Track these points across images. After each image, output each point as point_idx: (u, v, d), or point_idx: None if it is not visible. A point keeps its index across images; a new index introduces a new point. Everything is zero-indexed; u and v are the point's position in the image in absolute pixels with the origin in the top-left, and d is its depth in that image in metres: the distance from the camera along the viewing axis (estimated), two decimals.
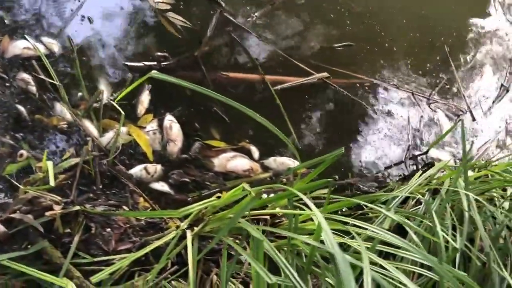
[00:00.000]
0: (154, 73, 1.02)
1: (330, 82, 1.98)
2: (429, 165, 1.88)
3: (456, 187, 1.55)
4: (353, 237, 1.27)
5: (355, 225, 1.26)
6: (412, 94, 2.11)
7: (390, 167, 1.89)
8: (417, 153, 1.96)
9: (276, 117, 1.81)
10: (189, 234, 1.29)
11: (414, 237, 1.30)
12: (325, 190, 1.66)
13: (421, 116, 2.08)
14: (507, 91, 2.27)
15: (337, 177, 1.77)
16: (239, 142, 1.72)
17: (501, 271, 1.35)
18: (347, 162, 1.85)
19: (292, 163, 1.69)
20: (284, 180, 1.61)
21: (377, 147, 1.93)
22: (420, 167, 1.91)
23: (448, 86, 2.21)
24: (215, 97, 1.06)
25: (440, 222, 1.46)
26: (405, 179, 1.84)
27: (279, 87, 1.88)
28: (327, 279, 1.18)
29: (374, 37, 2.15)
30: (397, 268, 1.13)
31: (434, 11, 2.31)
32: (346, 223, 1.27)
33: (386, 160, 1.90)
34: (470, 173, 1.84)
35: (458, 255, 1.37)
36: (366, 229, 1.24)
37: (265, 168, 1.71)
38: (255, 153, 1.73)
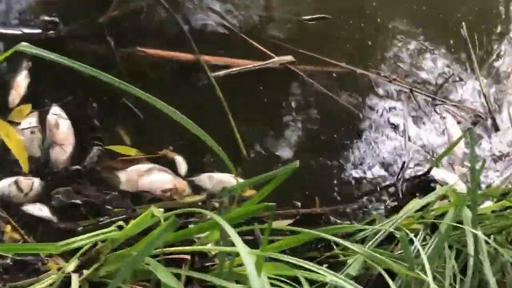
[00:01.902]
0: (24, 45, 1.05)
1: (295, 69, 2.05)
2: (431, 190, 1.96)
3: (460, 221, 1.67)
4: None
5: (310, 270, 1.34)
6: (411, 91, 2.19)
7: (374, 191, 1.98)
8: (415, 173, 2.06)
9: (219, 114, 1.89)
10: (75, 279, 1.31)
11: None
12: (288, 222, 1.79)
13: (423, 123, 2.17)
14: None
15: (299, 204, 1.86)
16: (159, 150, 1.76)
17: None
18: (315, 183, 1.92)
19: (235, 182, 1.74)
20: (216, 204, 1.68)
21: (360, 163, 2.00)
22: (417, 192, 2.02)
23: (463, 82, 2.31)
24: (112, 83, 1.10)
25: (436, 269, 1.58)
26: (396, 208, 1.95)
27: (222, 72, 1.96)
28: None
29: (359, 7, 2.24)
30: None
31: None
32: (297, 266, 1.34)
33: (371, 181, 1.99)
34: (487, 203, 1.98)
35: None
36: (325, 275, 1.32)
37: (197, 188, 1.77)
38: (182, 166, 1.78)
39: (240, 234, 1.19)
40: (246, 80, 1.99)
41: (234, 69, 1.98)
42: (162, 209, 1.29)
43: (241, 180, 1.72)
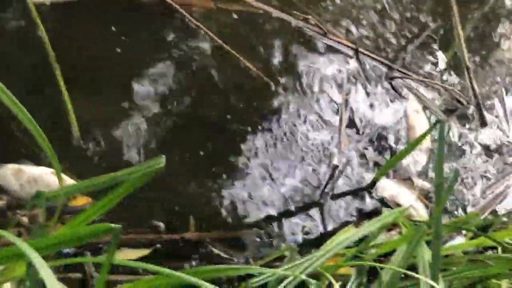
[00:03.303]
0: None
1: (175, 5, 2.04)
2: (375, 214, 1.93)
3: (415, 266, 1.58)
4: None
5: None
6: (357, 51, 2.17)
7: (286, 213, 1.92)
8: (352, 185, 2.02)
9: (42, 72, 1.88)
10: None
11: None
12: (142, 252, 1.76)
13: (370, 105, 2.12)
14: None
15: (161, 224, 1.82)
16: None
17: None
18: (192, 195, 1.90)
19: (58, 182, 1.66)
20: (25, 219, 1.65)
21: (267, 167, 1.98)
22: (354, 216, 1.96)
23: (436, 46, 2.29)
24: None
25: None
26: (318, 240, 1.88)
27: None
28: None
29: None
30: None
31: None
32: None
33: (282, 196, 1.94)
34: (458, 239, 1.91)
35: None
36: None
37: None
38: None
39: (64, 270, 1.30)
40: (91, 19, 2.03)
41: None
42: None
43: (69, 181, 1.71)
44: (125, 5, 2.07)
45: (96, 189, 1.46)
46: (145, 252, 1.76)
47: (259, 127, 2.02)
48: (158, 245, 1.79)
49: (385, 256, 1.72)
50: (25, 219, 1.66)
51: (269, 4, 2.18)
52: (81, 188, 1.59)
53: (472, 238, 1.86)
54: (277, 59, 2.13)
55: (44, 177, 1.75)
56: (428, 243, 1.63)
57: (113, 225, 1.22)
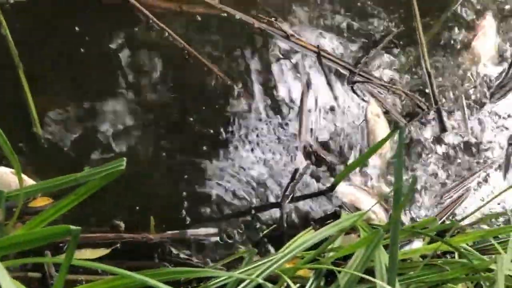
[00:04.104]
0: None
1: (138, 4, 2.04)
2: (335, 217, 1.95)
3: (372, 270, 1.60)
4: None
5: None
6: (319, 54, 2.17)
7: (245, 213, 1.93)
8: (314, 189, 2.02)
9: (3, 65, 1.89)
10: None
11: None
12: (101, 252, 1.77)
13: (332, 108, 2.13)
14: None
15: (121, 224, 1.82)
16: None
17: None
18: (154, 194, 1.91)
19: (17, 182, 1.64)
20: None
21: (225, 167, 1.99)
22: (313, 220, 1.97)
23: (397, 49, 2.30)
24: None
25: None
26: (278, 242, 1.89)
27: None
28: None
29: None
30: None
31: None
32: None
33: (242, 198, 1.97)
34: (416, 243, 1.93)
35: None
36: None
37: None
38: None
39: (24, 269, 1.31)
40: (54, 15, 2.01)
41: None
42: None
43: (29, 181, 1.70)
44: (90, 5, 2.03)
45: (57, 190, 1.45)
46: (105, 251, 1.76)
47: (221, 129, 2.01)
48: (118, 245, 1.78)
49: (344, 260, 1.73)
50: None
51: (233, 6, 2.15)
52: (42, 189, 1.59)
53: (429, 243, 1.86)
54: (240, 61, 2.11)
55: (4, 176, 1.73)
56: (386, 247, 1.61)
57: (72, 226, 1.20)
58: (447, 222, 2.06)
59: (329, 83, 2.17)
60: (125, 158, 1.32)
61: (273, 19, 2.20)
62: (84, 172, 1.39)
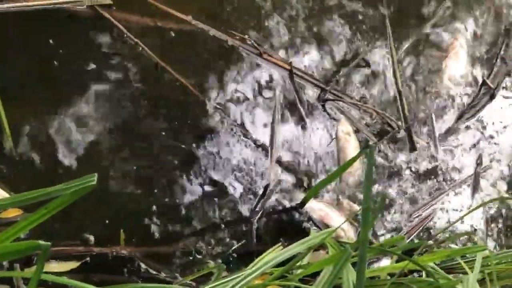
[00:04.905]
0: None
1: (111, 18, 2.05)
2: (304, 234, 1.91)
3: (339, 287, 1.62)
4: None
5: None
6: (291, 72, 2.17)
7: (215, 228, 1.93)
8: (282, 205, 2.03)
9: None
10: None
11: None
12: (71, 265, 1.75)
13: (304, 126, 2.15)
14: (492, 96, 2.41)
15: (91, 237, 1.79)
16: None
17: None
18: (125, 207, 1.90)
19: None
20: None
21: (198, 183, 1.97)
22: (282, 236, 1.97)
23: (368, 70, 2.31)
24: None
25: None
26: (246, 258, 1.89)
27: None
28: None
29: None
30: None
31: None
32: None
33: (211, 213, 1.96)
34: (384, 261, 1.96)
35: None
36: None
37: None
38: None
39: None
40: (28, 30, 1.99)
41: (6, 5, 1.96)
42: None
43: (1, 193, 1.71)
44: (63, 18, 2.02)
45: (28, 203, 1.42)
46: (74, 265, 1.75)
47: (193, 144, 2.01)
48: (88, 258, 1.77)
49: (312, 276, 1.73)
50: None
51: (206, 23, 2.14)
52: (15, 203, 1.53)
53: (398, 261, 1.87)
54: (212, 77, 2.11)
55: None
56: (354, 264, 1.60)
57: (42, 242, 1.20)
58: (416, 240, 2.07)
59: (300, 101, 2.16)
60: (96, 174, 1.29)
61: (246, 36, 2.18)
62: (56, 186, 1.35)
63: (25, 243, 1.27)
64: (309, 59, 2.27)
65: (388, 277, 1.82)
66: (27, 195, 1.38)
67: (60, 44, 2.00)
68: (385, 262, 1.94)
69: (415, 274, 1.88)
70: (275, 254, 1.76)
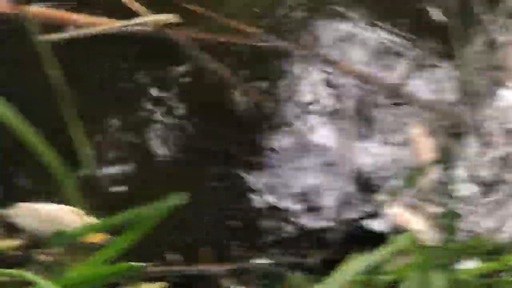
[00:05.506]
0: None
1: (179, 36, 2.05)
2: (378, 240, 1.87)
3: None
4: None
5: None
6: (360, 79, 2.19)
7: (291, 244, 1.92)
8: (358, 213, 2.03)
9: (50, 104, 1.89)
10: None
11: None
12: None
13: (372, 129, 2.13)
14: None
15: (174, 256, 1.82)
16: None
17: None
18: (206, 222, 1.89)
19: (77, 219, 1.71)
20: (43, 257, 1.63)
21: (271, 194, 1.98)
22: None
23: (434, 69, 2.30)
24: None
25: None
26: (322, 267, 1.89)
27: (58, 36, 1.96)
28: None
29: None
30: None
31: None
32: None
33: (292, 221, 1.96)
34: (469, 262, 1.90)
35: None
36: None
37: (10, 229, 1.73)
38: None
39: None
40: (96, 50, 2.02)
41: (76, 32, 2.00)
42: None
43: (88, 218, 1.70)
44: (131, 41, 2.04)
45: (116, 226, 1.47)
46: (162, 285, 1.76)
47: (264, 155, 2.03)
48: (173, 278, 1.78)
49: (394, 284, 1.72)
50: (43, 258, 1.64)
51: (273, 34, 2.15)
52: (103, 226, 1.58)
53: (486, 261, 1.85)
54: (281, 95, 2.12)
55: (61, 214, 1.72)
56: (440, 268, 1.63)
57: (134, 263, 1.25)
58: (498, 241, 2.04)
59: (371, 106, 2.18)
60: (186, 192, 1.32)
61: (325, 55, 2.19)
62: (144, 206, 1.38)
63: (118, 265, 1.30)
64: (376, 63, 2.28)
65: (478, 279, 1.79)
66: (115, 219, 1.42)
67: (126, 73, 2.01)
68: (470, 262, 1.86)
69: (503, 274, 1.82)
70: (358, 261, 1.74)
